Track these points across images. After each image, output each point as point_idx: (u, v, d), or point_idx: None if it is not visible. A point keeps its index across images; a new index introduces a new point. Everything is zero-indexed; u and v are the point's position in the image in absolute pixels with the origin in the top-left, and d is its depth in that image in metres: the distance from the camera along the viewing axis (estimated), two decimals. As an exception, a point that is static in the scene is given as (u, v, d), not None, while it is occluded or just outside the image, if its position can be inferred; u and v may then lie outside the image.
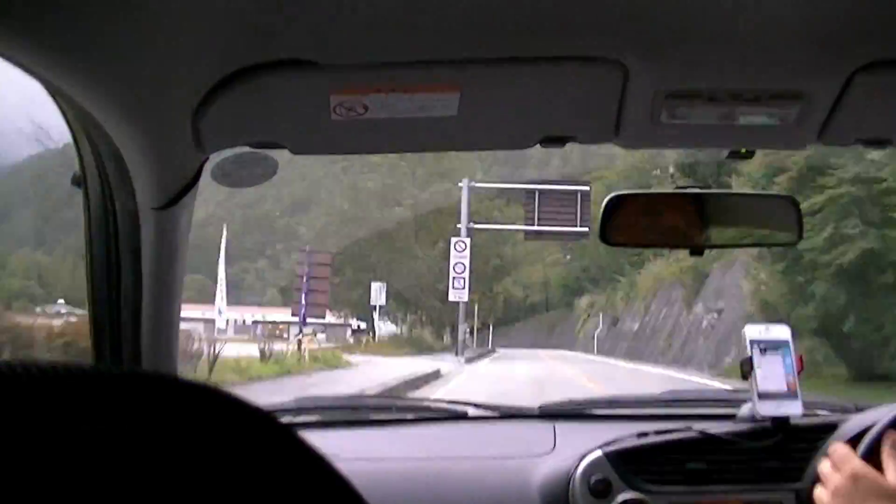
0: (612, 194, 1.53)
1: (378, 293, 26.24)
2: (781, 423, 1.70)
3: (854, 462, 1.30)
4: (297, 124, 1.16)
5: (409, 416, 2.10)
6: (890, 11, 0.94)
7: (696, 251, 1.55)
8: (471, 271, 26.90)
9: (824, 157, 15.82)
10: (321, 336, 27.40)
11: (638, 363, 26.83)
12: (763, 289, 19.53)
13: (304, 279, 17.85)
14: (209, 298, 20.58)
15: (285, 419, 1.97)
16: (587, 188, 25.75)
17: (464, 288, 26.37)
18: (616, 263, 40.28)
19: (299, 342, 17.75)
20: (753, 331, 1.72)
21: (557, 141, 1.19)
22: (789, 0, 0.91)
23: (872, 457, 1.58)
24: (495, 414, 2.12)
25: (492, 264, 38.65)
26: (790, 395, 1.68)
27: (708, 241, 1.56)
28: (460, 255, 26.28)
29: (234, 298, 31.01)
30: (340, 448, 1.76)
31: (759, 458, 1.70)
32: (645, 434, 1.74)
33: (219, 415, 0.37)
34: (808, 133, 1.16)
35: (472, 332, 37.17)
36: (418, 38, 0.96)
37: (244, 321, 39.23)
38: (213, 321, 17.72)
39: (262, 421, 0.38)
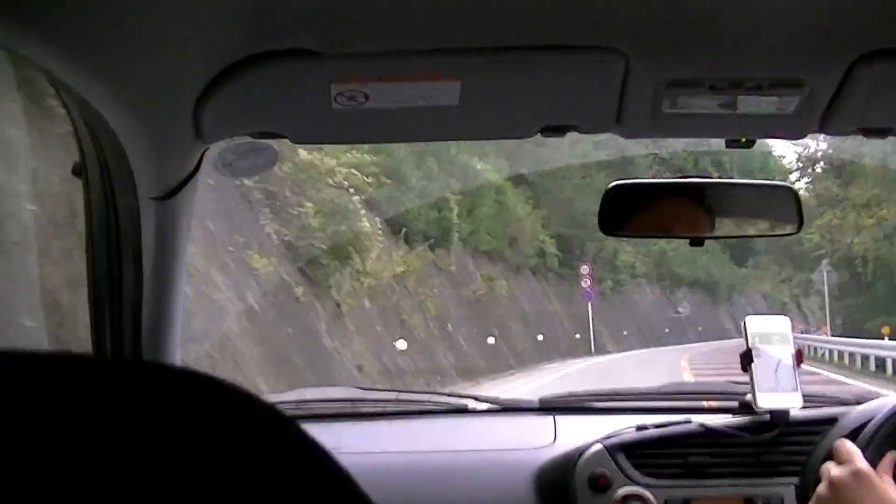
0: (612, 184, 1.53)
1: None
2: (781, 415, 1.70)
3: (859, 460, 1.30)
4: (298, 114, 1.16)
5: (410, 409, 2.10)
6: (891, 1, 0.93)
7: (697, 241, 1.55)
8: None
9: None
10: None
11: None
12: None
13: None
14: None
15: (286, 412, 1.97)
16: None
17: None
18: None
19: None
20: (753, 322, 1.72)
21: (558, 130, 1.19)
22: None
23: (872, 449, 1.58)
24: (495, 407, 2.12)
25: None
26: (790, 387, 1.68)
27: (708, 231, 1.55)
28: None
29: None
30: (341, 441, 1.76)
31: (758, 451, 1.70)
32: (645, 427, 1.75)
33: (219, 406, 0.37)
34: (809, 122, 1.16)
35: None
36: (419, 26, 0.96)
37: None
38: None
39: (263, 412, 0.38)
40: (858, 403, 1.81)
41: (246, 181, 11.00)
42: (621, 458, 1.69)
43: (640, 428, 1.75)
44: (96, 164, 1.17)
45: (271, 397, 2.35)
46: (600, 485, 1.66)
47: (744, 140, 1.26)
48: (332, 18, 0.94)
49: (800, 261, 42.81)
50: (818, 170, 38.46)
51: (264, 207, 12.16)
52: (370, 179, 14.47)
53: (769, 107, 1.11)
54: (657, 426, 1.75)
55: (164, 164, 1.16)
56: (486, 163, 21.75)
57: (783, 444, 1.70)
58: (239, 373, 8.75)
